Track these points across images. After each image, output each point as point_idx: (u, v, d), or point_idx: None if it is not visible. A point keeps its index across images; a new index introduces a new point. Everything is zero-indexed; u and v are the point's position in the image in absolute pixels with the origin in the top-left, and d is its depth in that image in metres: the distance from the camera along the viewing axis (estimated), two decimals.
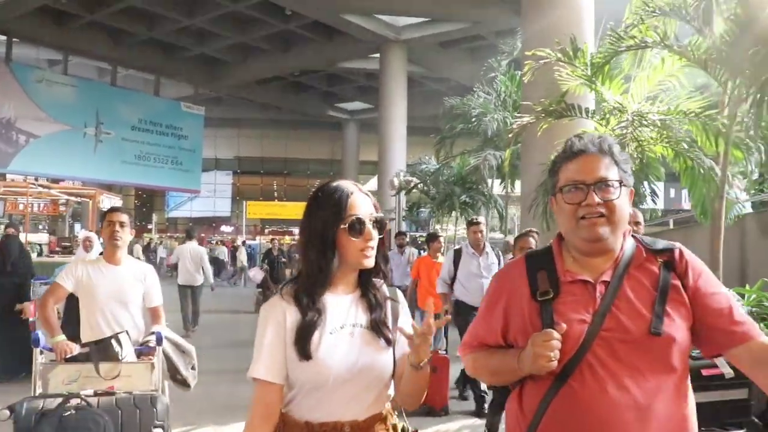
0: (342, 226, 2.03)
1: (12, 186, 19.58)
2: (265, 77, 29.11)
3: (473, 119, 13.76)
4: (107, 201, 18.32)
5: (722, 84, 6.50)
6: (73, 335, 4.63)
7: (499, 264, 7.52)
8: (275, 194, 44.73)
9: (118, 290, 4.48)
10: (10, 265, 8.37)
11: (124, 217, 4.54)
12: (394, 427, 2.20)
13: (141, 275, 4.61)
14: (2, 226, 14.48)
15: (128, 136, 26.76)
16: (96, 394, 3.62)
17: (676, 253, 2.00)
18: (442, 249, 9.70)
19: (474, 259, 7.52)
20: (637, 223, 4.89)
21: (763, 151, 6.66)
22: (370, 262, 2.09)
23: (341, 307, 2.11)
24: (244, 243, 29.99)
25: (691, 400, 1.97)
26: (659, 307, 1.91)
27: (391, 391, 2.21)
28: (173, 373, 4.36)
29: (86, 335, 4.41)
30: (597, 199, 1.95)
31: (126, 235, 4.51)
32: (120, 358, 4.06)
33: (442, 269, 7.87)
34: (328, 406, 2.06)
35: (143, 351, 4.34)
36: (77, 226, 29.01)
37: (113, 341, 4.09)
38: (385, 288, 2.21)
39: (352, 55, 26.16)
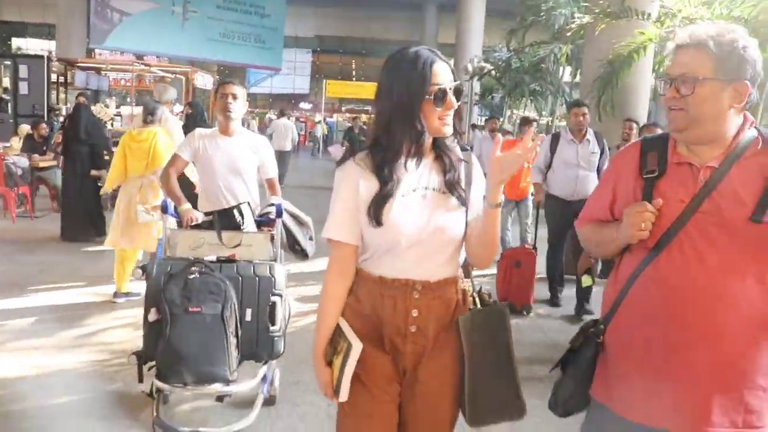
0: (427, 97, 2.02)
1: (118, 63, 20.87)
2: None
3: (542, 13, 14.00)
4: (200, 78, 19.41)
5: None
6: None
7: (602, 155, 6.83)
8: (353, 74, 45.17)
9: (233, 161, 4.49)
10: (84, 132, 8.66)
11: (237, 90, 4.49)
12: (464, 291, 2.24)
13: (255, 147, 4.58)
14: (110, 100, 15.75)
15: (213, 14, 27.44)
16: (218, 261, 3.73)
17: None
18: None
19: (572, 147, 6.84)
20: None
21: None
22: (449, 130, 2.10)
23: (415, 171, 2.13)
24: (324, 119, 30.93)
25: None
26: (765, 195, 1.89)
27: (463, 256, 2.25)
28: (292, 244, 4.32)
29: (203, 205, 4.55)
30: (672, 94, 1.98)
31: (239, 107, 4.47)
32: (241, 227, 4.19)
33: (538, 156, 7.11)
34: (401, 264, 2.12)
35: (264, 222, 4.39)
36: None
37: (235, 211, 4.22)
38: (458, 150, 2.21)
39: None
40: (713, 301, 1.90)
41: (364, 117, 32.30)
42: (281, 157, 14.46)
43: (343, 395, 2.12)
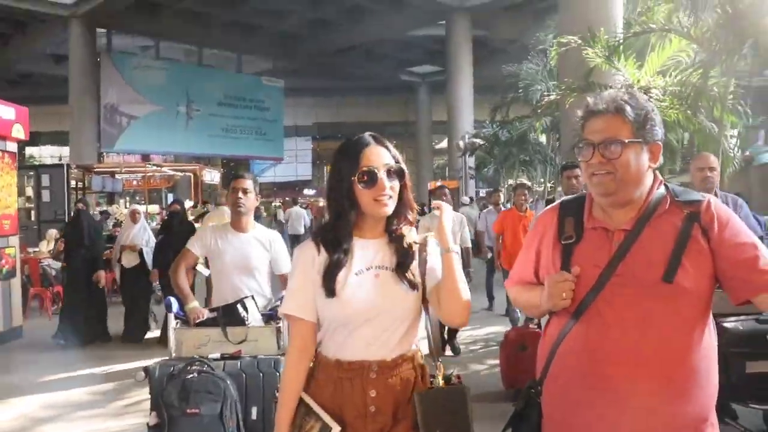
0: (352, 178, 2.11)
1: (131, 166, 21.99)
2: (339, 48, 30.62)
3: (520, 90, 15.08)
4: (208, 174, 20.49)
5: (718, 59, 7.80)
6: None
7: None
8: None
9: (244, 257, 4.39)
10: (87, 238, 8.66)
11: (248, 184, 4.41)
12: (422, 367, 2.24)
13: (267, 242, 4.48)
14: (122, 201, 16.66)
15: (215, 111, 29.11)
16: (222, 358, 3.64)
17: (703, 205, 2.00)
18: (529, 202, 9.00)
19: None
20: (711, 169, 5.13)
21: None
22: (386, 211, 2.14)
23: (368, 250, 2.19)
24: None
25: (706, 351, 1.98)
26: (675, 256, 1.92)
27: (418, 335, 2.26)
28: None
29: (215, 301, 4.42)
30: (598, 159, 1.99)
31: (250, 202, 4.40)
32: (246, 322, 4.03)
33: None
34: (356, 345, 2.15)
35: (271, 316, 4.25)
36: (170, 197, 31.61)
37: (239, 306, 4.06)
38: (414, 234, 2.24)
39: (420, 24, 27.47)
40: (634, 364, 1.93)
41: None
42: (297, 240, 17.20)
43: None
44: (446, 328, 6.89)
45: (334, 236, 2.17)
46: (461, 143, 19.72)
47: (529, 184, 15.23)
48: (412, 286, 2.16)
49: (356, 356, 2.15)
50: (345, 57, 32.26)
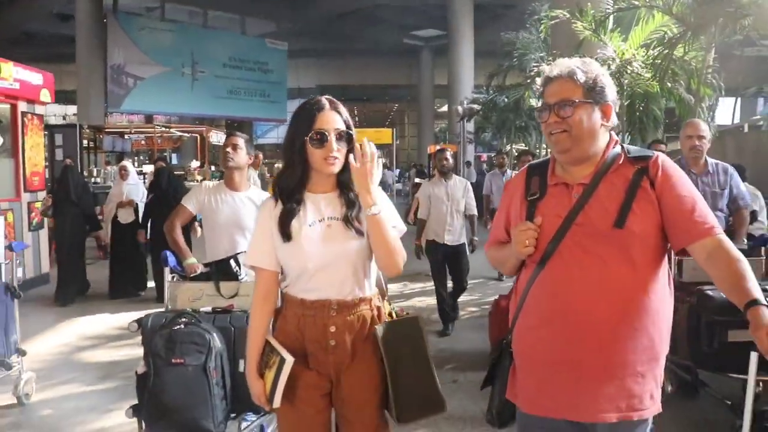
0: (305, 138, 2.33)
1: (141, 127, 22.45)
2: (342, 12, 30.85)
3: (515, 58, 15.52)
4: (214, 136, 20.97)
5: (695, 35, 8.31)
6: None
7: None
8: (356, 119, 46.73)
9: (236, 216, 4.49)
10: (74, 195, 8.70)
11: (238, 140, 4.53)
12: (378, 308, 2.49)
13: (260, 202, 4.28)
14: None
15: (220, 73, 29.40)
16: (213, 311, 3.70)
17: (651, 160, 2.21)
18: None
19: None
20: (700, 137, 5.09)
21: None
22: (332, 170, 2.36)
23: (319, 204, 2.42)
24: None
25: (658, 292, 2.17)
26: (625, 205, 2.13)
27: (374, 277, 2.51)
28: None
29: (208, 257, 4.51)
30: (554, 119, 2.20)
31: (239, 158, 4.50)
32: (239, 277, 4.09)
33: None
34: (317, 286, 2.39)
35: None
36: (174, 157, 32.18)
37: (232, 261, 4.13)
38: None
39: None
40: (592, 299, 2.12)
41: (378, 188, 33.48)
42: None
43: (276, 402, 2.38)
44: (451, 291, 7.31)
45: (287, 189, 2.41)
46: (460, 108, 20.20)
47: (534, 152, 15.75)
48: (359, 233, 2.38)
49: (318, 296, 2.39)
50: (348, 20, 32.33)
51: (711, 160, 5.33)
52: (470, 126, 22.26)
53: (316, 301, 2.40)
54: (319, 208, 2.41)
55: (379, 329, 2.42)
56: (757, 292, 1.99)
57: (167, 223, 4.62)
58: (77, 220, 8.83)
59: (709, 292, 4.08)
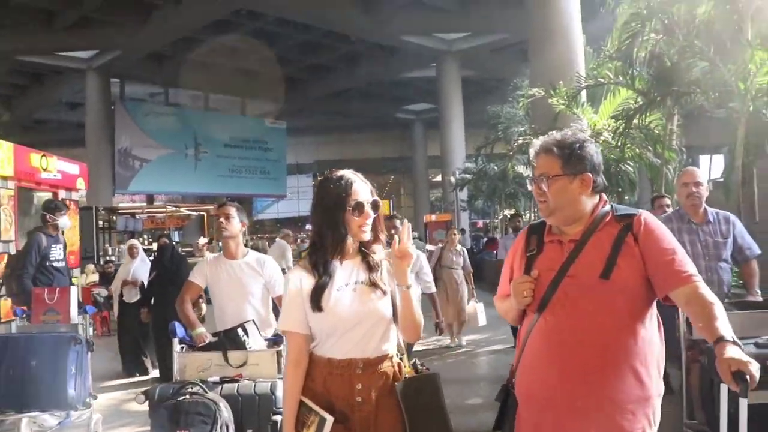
0: (348, 208, 2.47)
1: (153, 208, 23.49)
2: (337, 90, 32.38)
3: (500, 131, 16.64)
4: None
5: (652, 107, 9.33)
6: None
7: None
8: None
9: (237, 284, 4.52)
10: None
11: (230, 210, 4.58)
12: (399, 364, 2.59)
13: (260, 266, 4.60)
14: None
15: (222, 152, 30.82)
16: (222, 381, 3.70)
17: (635, 218, 2.38)
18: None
19: None
20: (696, 184, 4.85)
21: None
22: (366, 236, 2.53)
23: (346, 269, 2.55)
24: None
25: (643, 339, 2.32)
26: (610, 259, 2.30)
27: (395, 335, 2.61)
28: None
29: (217, 327, 4.52)
30: (536, 190, 2.43)
31: (233, 227, 4.53)
32: (246, 346, 4.06)
33: None
34: (344, 347, 2.50)
35: (276, 341, 4.29)
36: (176, 235, 33.11)
37: (239, 330, 4.10)
38: (382, 252, 2.61)
39: (412, 67, 29.36)
40: (582, 343, 2.30)
41: None
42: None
43: None
44: None
45: (321, 259, 2.52)
46: (452, 179, 21.23)
47: (522, 214, 16.64)
48: (383, 293, 2.52)
49: (345, 355, 2.50)
50: (343, 98, 33.89)
51: (711, 210, 5.19)
52: (463, 194, 23.23)
53: (343, 360, 2.50)
54: (345, 274, 2.54)
55: (399, 385, 2.53)
56: (724, 331, 2.13)
57: (178, 298, 4.69)
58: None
59: None
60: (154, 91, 30.87)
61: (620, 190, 11.05)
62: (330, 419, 2.45)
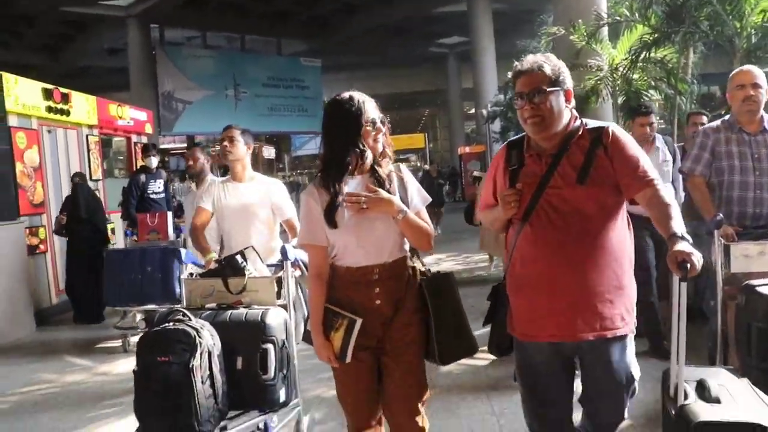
0: (364, 125, 2.65)
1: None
2: (370, 27, 32.59)
3: None
4: (266, 150, 22.71)
5: (672, 40, 9.89)
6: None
7: (674, 161, 5.51)
8: (389, 127, 47.70)
9: (242, 207, 4.46)
10: (84, 211, 8.68)
11: (234, 132, 4.50)
12: (413, 267, 2.81)
13: (267, 190, 4.52)
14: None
15: (260, 92, 31.58)
16: (218, 308, 3.63)
17: (604, 130, 2.60)
18: None
19: None
20: (755, 86, 4.13)
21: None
22: (380, 147, 2.73)
23: (358, 185, 2.70)
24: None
25: (618, 234, 2.59)
26: (584, 166, 2.54)
27: (406, 242, 2.80)
28: None
29: (224, 251, 4.46)
30: (528, 106, 2.55)
31: (237, 150, 4.46)
32: (245, 272, 3.90)
33: None
34: (360, 255, 2.70)
35: (277, 266, 4.10)
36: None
37: (238, 256, 3.97)
38: (390, 166, 2.80)
39: (443, 2, 29.46)
40: (564, 244, 2.54)
41: (402, 165, 34.79)
42: None
43: (349, 358, 2.70)
44: None
45: (334, 178, 2.69)
46: (484, 112, 21.79)
47: None
48: None
49: (361, 263, 2.70)
50: (376, 34, 34.07)
51: (659, 137, 5.17)
52: (496, 126, 23.77)
53: (360, 267, 2.70)
54: (357, 189, 2.70)
55: (426, 283, 2.79)
56: (677, 228, 2.39)
57: (191, 226, 4.82)
58: (89, 238, 8.74)
59: (760, 289, 3.32)
60: (192, 35, 31.58)
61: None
62: (359, 320, 2.66)
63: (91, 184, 10.16)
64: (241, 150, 4.49)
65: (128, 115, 12.46)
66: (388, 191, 2.71)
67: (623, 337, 2.60)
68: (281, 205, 4.53)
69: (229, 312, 3.56)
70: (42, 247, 9.17)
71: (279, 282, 3.82)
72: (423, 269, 2.87)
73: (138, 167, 10.97)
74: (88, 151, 10.90)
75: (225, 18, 29.47)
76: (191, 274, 4.11)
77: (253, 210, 4.46)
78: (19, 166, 8.93)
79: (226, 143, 4.47)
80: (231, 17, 29.55)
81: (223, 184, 4.58)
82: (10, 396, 6.00)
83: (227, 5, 28.39)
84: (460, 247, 13.70)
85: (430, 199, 2.93)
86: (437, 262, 11.72)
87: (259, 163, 21.53)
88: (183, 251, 4.19)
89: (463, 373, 5.39)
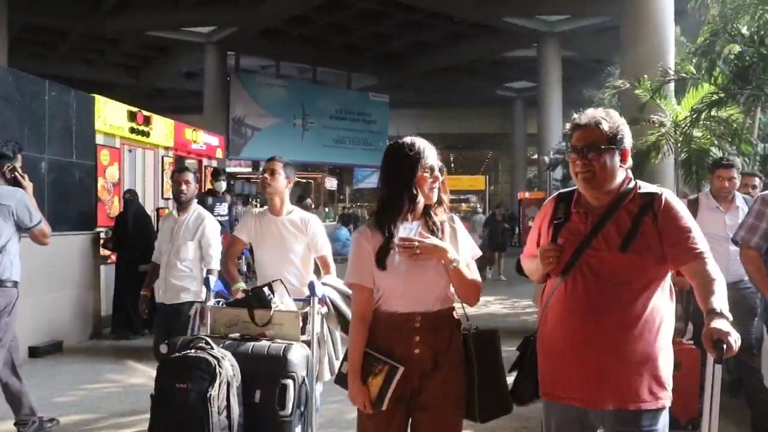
0: (421, 171, 2.64)
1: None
2: (439, 66, 33.04)
3: None
4: (328, 181, 23.30)
5: (737, 101, 9.91)
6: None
7: None
8: (452, 166, 47.89)
9: (278, 240, 4.41)
10: (131, 226, 8.94)
11: (276, 165, 4.41)
12: (457, 321, 2.76)
13: (302, 225, 4.43)
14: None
15: (327, 123, 32.22)
16: (241, 339, 3.59)
17: (656, 197, 2.50)
18: None
19: (718, 216, 5.30)
20: (754, 187, 5.01)
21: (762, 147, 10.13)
22: (435, 196, 2.72)
23: (410, 230, 2.69)
24: None
25: (655, 306, 2.47)
26: (630, 233, 2.44)
27: (453, 295, 2.76)
28: (344, 324, 3.94)
29: (258, 282, 4.37)
30: (582, 161, 2.47)
31: (277, 182, 4.38)
32: (272, 305, 3.82)
33: None
34: (404, 301, 2.66)
35: (304, 301, 3.99)
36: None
37: (266, 288, 3.90)
38: (444, 215, 2.79)
39: (513, 47, 29.82)
40: (597, 310, 2.45)
41: (463, 206, 34.89)
42: None
43: (385, 405, 2.61)
44: None
45: (388, 220, 2.68)
46: (546, 158, 21.84)
47: None
48: None
49: (404, 309, 2.66)
50: (445, 74, 34.46)
51: (739, 195, 5.24)
52: (557, 173, 23.72)
53: (404, 313, 2.66)
54: (409, 234, 2.69)
55: (472, 339, 2.75)
56: (717, 304, 2.31)
57: (224, 255, 4.89)
58: (132, 253, 8.85)
59: None
60: (266, 64, 32.57)
61: (697, 174, 11.61)
62: (401, 369, 2.59)
63: (161, 202, 11.03)
64: (281, 183, 4.41)
65: (202, 139, 13.28)
66: (437, 239, 2.70)
67: (651, 412, 2.46)
68: (315, 241, 4.46)
69: (252, 344, 3.51)
70: (113, 257, 9.65)
71: (305, 317, 3.76)
72: (467, 325, 2.83)
73: (206, 189, 11.55)
74: (163, 171, 11.55)
75: (299, 49, 30.48)
76: (217, 303, 4.01)
77: (289, 245, 4.41)
78: (100, 181, 9.68)
79: (266, 175, 4.40)
80: (305, 49, 30.52)
81: (260, 216, 4.54)
82: (78, 390, 6.55)
83: (302, 37, 29.29)
84: (510, 291, 13.78)
85: (480, 254, 2.92)
86: (485, 304, 11.79)
87: (321, 193, 21.98)
88: (212, 279, 4.12)
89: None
